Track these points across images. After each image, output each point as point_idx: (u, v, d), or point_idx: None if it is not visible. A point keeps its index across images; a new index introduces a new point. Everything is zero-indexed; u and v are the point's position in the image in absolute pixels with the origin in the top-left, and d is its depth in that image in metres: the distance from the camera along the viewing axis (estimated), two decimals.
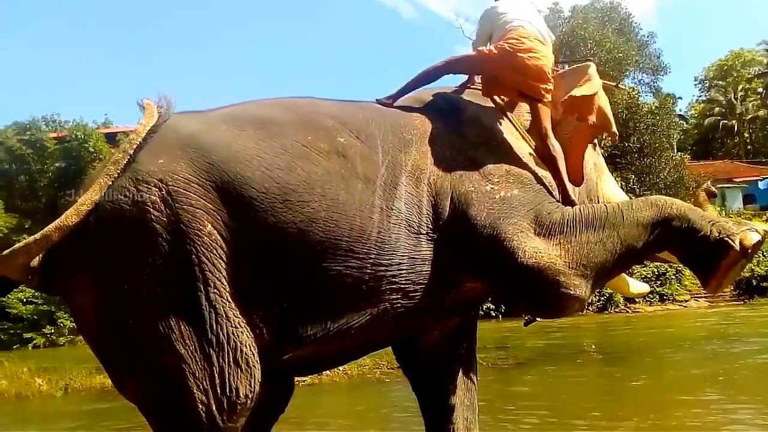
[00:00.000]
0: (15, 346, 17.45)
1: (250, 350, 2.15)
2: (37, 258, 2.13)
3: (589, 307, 17.35)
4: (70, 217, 2.05)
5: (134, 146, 2.15)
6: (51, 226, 2.04)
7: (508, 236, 2.43)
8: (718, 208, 22.20)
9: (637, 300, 17.44)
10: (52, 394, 8.84)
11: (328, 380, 7.77)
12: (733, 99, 39.19)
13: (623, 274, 3.43)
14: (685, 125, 39.25)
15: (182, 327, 2.06)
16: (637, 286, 3.63)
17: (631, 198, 3.16)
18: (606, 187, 3.41)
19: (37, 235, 2.05)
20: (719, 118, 39.08)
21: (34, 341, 17.89)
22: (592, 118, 2.90)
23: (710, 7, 63.45)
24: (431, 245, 2.45)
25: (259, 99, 2.67)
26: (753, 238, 2.49)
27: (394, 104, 2.83)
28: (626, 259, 2.63)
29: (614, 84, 4.76)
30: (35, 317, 17.98)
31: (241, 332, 2.13)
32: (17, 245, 2.07)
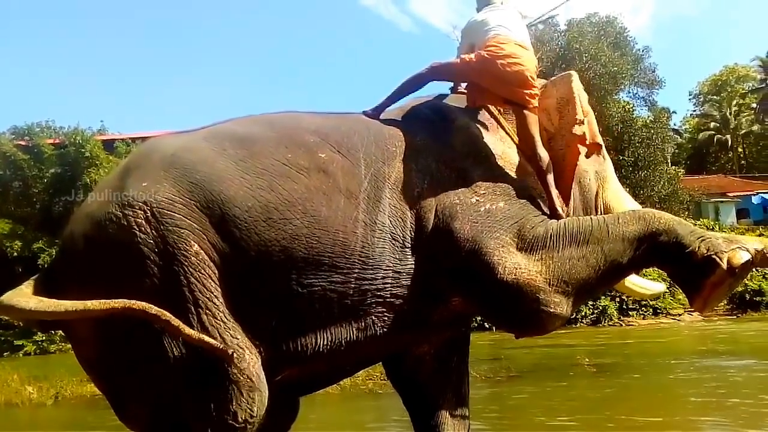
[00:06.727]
0: (5, 353, 17.29)
1: (251, 370, 2.11)
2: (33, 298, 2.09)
3: (583, 320, 17.34)
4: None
5: None
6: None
7: (489, 251, 2.39)
8: (712, 223, 22.28)
9: (630, 313, 17.46)
10: (43, 402, 8.75)
11: (321, 392, 7.69)
12: (727, 114, 39.43)
13: (633, 275, 3.33)
14: (679, 139, 39.40)
15: (175, 351, 2.04)
16: (649, 286, 3.48)
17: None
18: (611, 196, 3.25)
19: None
20: (713, 132, 39.28)
21: (25, 348, 17.70)
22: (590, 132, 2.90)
23: (705, 23, 64.25)
24: (416, 259, 2.42)
25: (240, 117, 2.65)
26: (742, 257, 2.39)
27: (383, 115, 2.80)
28: (611, 274, 2.56)
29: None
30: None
31: (240, 354, 2.09)
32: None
